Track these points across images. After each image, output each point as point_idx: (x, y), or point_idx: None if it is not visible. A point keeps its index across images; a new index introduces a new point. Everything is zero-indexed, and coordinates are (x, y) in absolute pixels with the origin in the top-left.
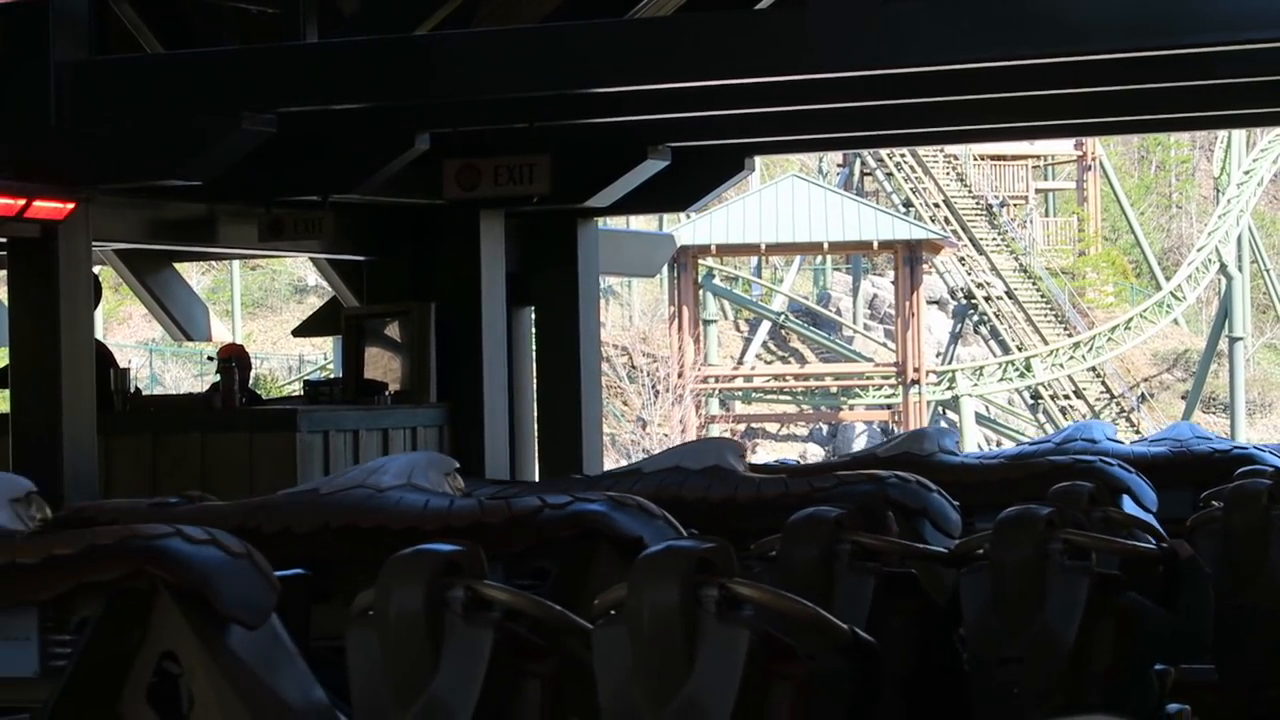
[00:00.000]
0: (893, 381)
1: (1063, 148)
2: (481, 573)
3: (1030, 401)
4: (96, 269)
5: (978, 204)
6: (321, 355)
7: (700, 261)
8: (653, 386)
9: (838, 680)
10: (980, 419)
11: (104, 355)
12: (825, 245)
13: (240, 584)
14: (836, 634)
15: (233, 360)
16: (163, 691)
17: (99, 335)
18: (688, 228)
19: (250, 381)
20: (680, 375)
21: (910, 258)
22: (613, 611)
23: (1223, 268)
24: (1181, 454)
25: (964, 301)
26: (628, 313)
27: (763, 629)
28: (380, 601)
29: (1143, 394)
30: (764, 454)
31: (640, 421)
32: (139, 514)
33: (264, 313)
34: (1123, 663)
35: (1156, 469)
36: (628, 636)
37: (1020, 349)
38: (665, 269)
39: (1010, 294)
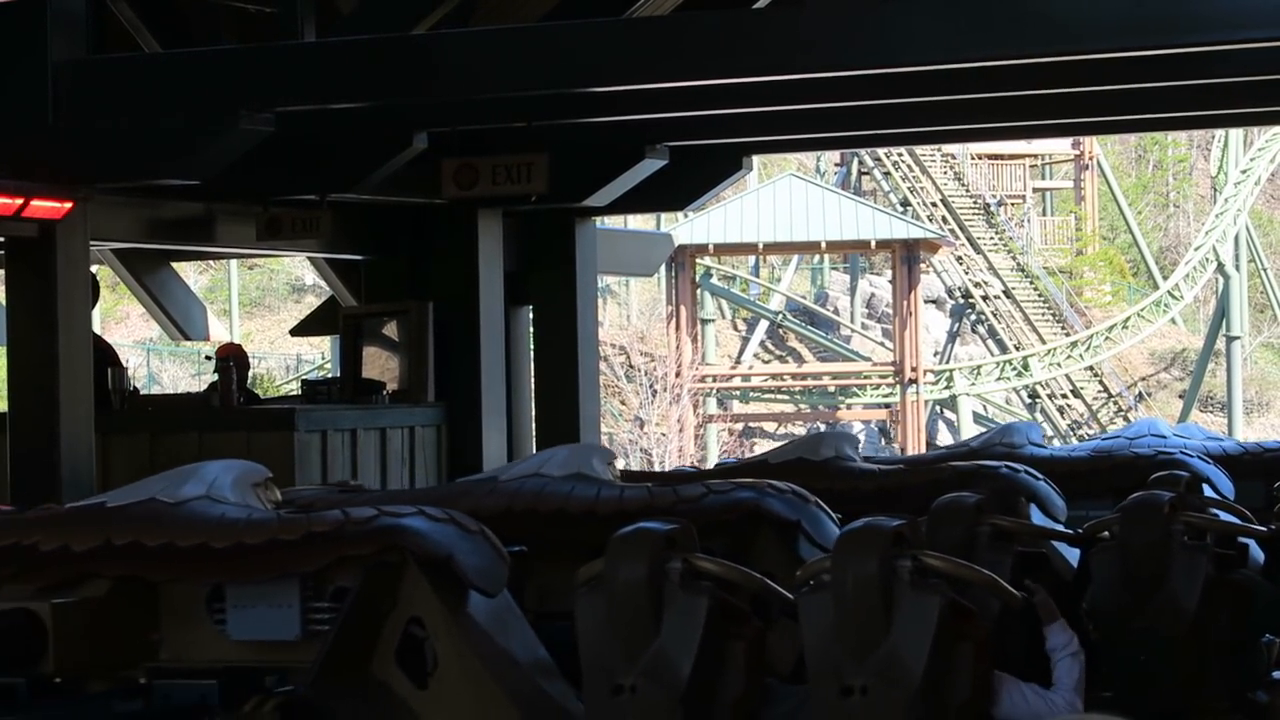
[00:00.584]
0: (890, 381)
1: (1060, 147)
2: (694, 547)
3: (1028, 401)
4: (94, 268)
5: (975, 203)
6: (319, 355)
7: (698, 261)
8: (650, 386)
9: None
10: (978, 418)
11: (104, 352)
12: (823, 244)
13: (479, 557)
14: (1012, 600)
15: (230, 360)
16: (409, 652)
17: (98, 334)
18: (685, 227)
19: (248, 381)
20: (678, 374)
21: (908, 257)
22: (812, 582)
23: (1220, 267)
24: (1253, 449)
25: (961, 301)
26: (625, 312)
27: (949, 594)
28: (609, 571)
29: (1140, 393)
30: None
31: (638, 421)
32: (332, 500)
33: (261, 312)
34: (1238, 632)
35: (1229, 462)
36: (832, 602)
37: (1018, 348)
38: (663, 268)
39: (1008, 293)
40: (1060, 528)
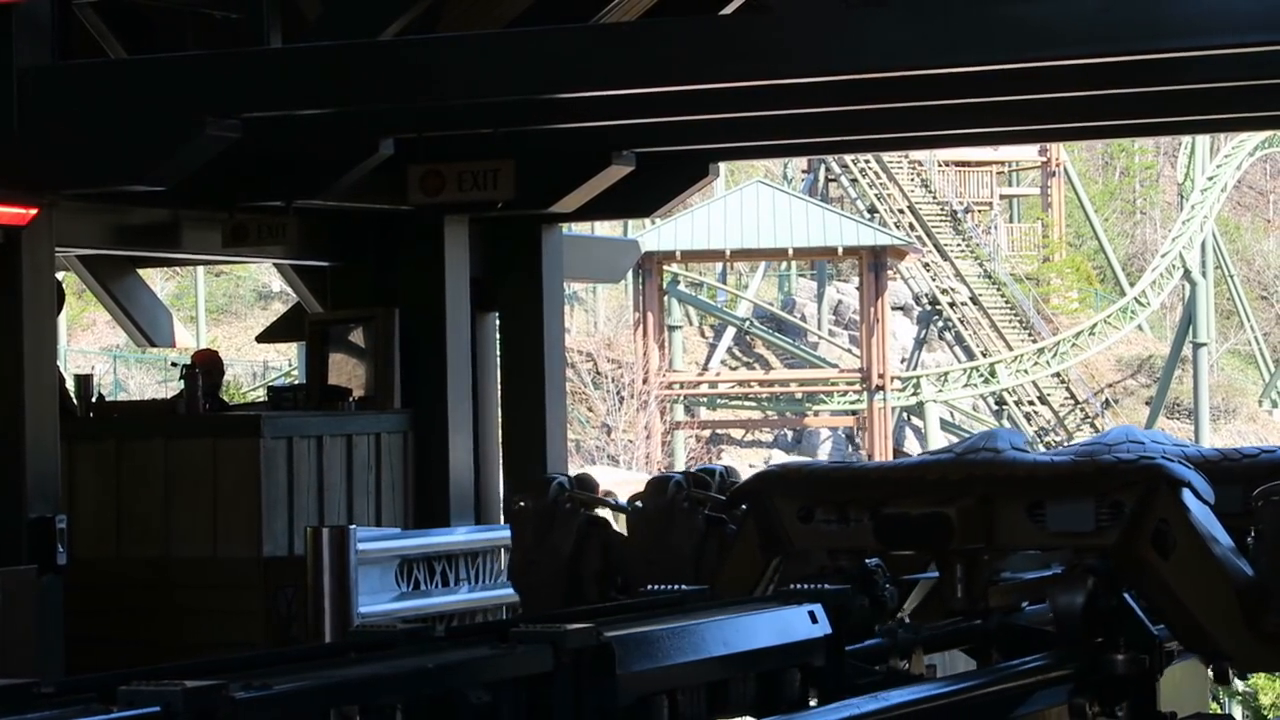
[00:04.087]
0: (857, 387)
1: (1027, 154)
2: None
3: (995, 407)
4: (59, 275)
5: (942, 210)
6: (286, 362)
7: (665, 267)
8: (617, 393)
9: None
10: (945, 425)
11: None
12: (790, 251)
13: (1199, 480)
14: None
15: (198, 367)
16: (1157, 538)
17: (61, 342)
18: (652, 234)
19: (220, 388)
20: (645, 381)
21: (875, 264)
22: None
23: (1186, 273)
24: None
25: (929, 307)
26: (592, 319)
27: None
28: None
29: (1107, 400)
30: (730, 460)
31: (605, 427)
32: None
33: (228, 319)
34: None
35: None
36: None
37: (985, 355)
38: (630, 275)
39: (975, 300)
40: None
